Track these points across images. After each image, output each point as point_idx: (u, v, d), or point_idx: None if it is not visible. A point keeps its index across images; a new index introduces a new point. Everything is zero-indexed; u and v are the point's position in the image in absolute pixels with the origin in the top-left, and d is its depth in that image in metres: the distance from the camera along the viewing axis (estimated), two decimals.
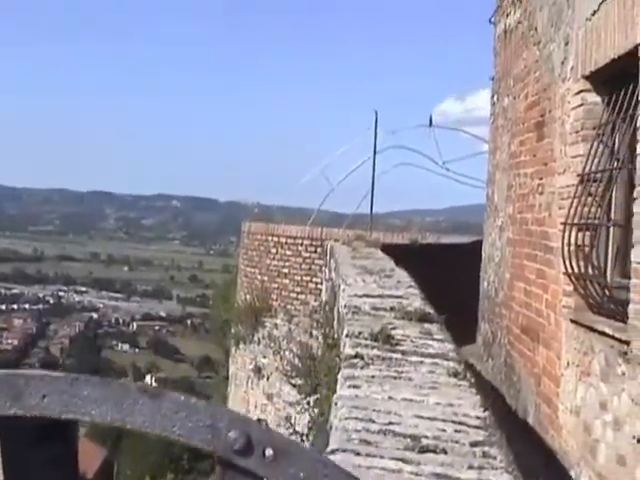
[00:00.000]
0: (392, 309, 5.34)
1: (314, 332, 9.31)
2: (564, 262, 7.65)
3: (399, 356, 3.95)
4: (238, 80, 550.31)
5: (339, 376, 3.53)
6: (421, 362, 3.88)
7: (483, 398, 3.36)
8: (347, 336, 4.32)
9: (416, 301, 5.87)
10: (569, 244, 7.58)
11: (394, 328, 4.61)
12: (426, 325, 4.89)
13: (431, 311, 5.40)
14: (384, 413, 2.94)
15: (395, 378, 3.48)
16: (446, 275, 15.73)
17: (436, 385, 3.42)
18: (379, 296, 6.01)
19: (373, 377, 3.46)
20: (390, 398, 3.15)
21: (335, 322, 6.50)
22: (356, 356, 3.85)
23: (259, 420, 1.41)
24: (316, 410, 6.11)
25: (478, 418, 3.02)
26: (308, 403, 7.05)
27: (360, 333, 4.31)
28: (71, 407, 1.55)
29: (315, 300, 16.57)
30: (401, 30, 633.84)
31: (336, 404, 3.09)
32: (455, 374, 3.66)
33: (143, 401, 1.52)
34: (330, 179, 22.99)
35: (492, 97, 13.06)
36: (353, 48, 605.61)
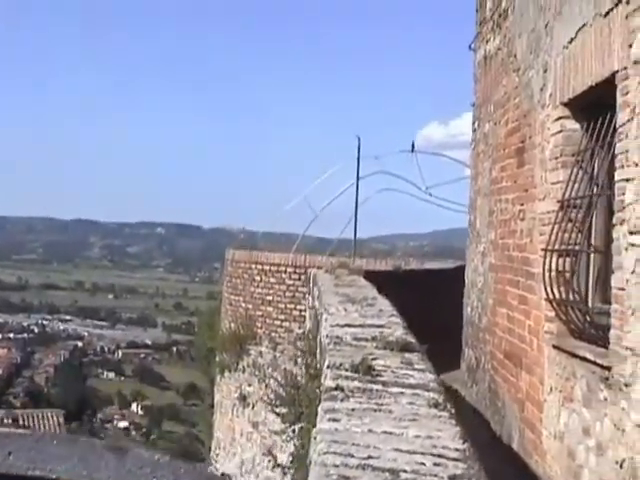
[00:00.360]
0: (374, 339, 5.34)
1: (299, 360, 9.31)
2: (545, 288, 7.69)
3: (380, 387, 3.94)
4: (221, 107, 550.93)
5: (319, 409, 3.53)
6: (402, 393, 3.88)
7: (463, 429, 3.37)
8: (328, 367, 4.32)
9: (398, 330, 5.87)
10: (550, 270, 7.61)
11: (375, 359, 4.61)
12: (407, 355, 4.88)
13: (412, 340, 5.40)
14: (363, 447, 2.94)
15: (375, 410, 3.48)
16: (430, 301, 15.76)
17: (416, 417, 3.42)
18: (361, 326, 6.01)
19: (353, 410, 3.46)
20: (370, 431, 3.15)
21: (318, 351, 6.50)
22: (337, 388, 3.84)
23: (222, 474, 1.42)
24: (300, 440, 6.11)
25: (457, 450, 3.02)
26: (293, 431, 7.04)
27: (341, 364, 4.31)
28: (38, 464, 1.56)
29: (299, 327, 16.59)
30: (383, 55, 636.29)
31: (315, 438, 3.09)
32: (435, 405, 3.66)
33: (108, 457, 1.53)
34: (314, 205, 23.09)
35: (473, 123, 13.14)
36: (335, 73, 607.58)
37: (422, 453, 2.95)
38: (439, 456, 2.95)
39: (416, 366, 4.57)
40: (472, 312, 12.31)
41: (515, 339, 9.32)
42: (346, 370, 4.25)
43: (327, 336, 5.48)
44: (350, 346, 5.08)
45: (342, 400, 3.64)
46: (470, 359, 12.44)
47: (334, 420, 3.28)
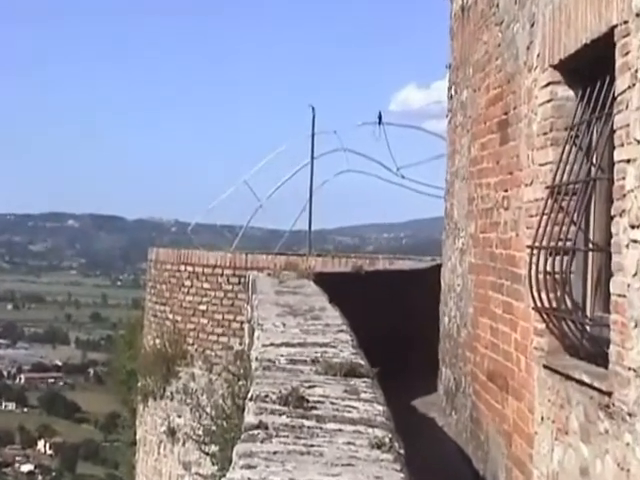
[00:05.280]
0: (314, 362, 5.32)
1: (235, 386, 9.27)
2: (533, 294, 7.69)
3: (313, 423, 3.91)
4: (151, 76, 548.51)
5: (233, 453, 3.51)
6: (339, 430, 3.86)
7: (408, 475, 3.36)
8: (251, 399, 4.30)
9: (345, 350, 5.85)
10: (538, 272, 7.61)
11: (312, 387, 4.59)
12: (353, 381, 4.86)
13: (362, 362, 5.38)
14: None
15: (302, 454, 3.45)
16: (400, 310, 15.76)
17: (352, 461, 3.40)
18: (300, 345, 5.98)
19: (275, 453, 3.43)
20: None
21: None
22: (259, 425, 3.82)
23: None
24: None
25: None
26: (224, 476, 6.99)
27: (267, 395, 4.29)
28: None
29: (240, 344, 16.56)
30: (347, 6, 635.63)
31: None
32: (379, 445, 3.64)
33: None
34: (261, 193, 22.85)
35: (449, 89, 13.15)
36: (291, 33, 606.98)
37: None
38: None
39: (362, 395, 4.55)
40: (450, 323, 12.34)
41: (500, 357, 9.34)
42: (273, 402, 4.22)
43: (257, 359, 5.46)
44: (283, 371, 5.05)
45: (262, 441, 3.62)
46: (448, 381, 12.47)
47: (248, 467, 3.26)
